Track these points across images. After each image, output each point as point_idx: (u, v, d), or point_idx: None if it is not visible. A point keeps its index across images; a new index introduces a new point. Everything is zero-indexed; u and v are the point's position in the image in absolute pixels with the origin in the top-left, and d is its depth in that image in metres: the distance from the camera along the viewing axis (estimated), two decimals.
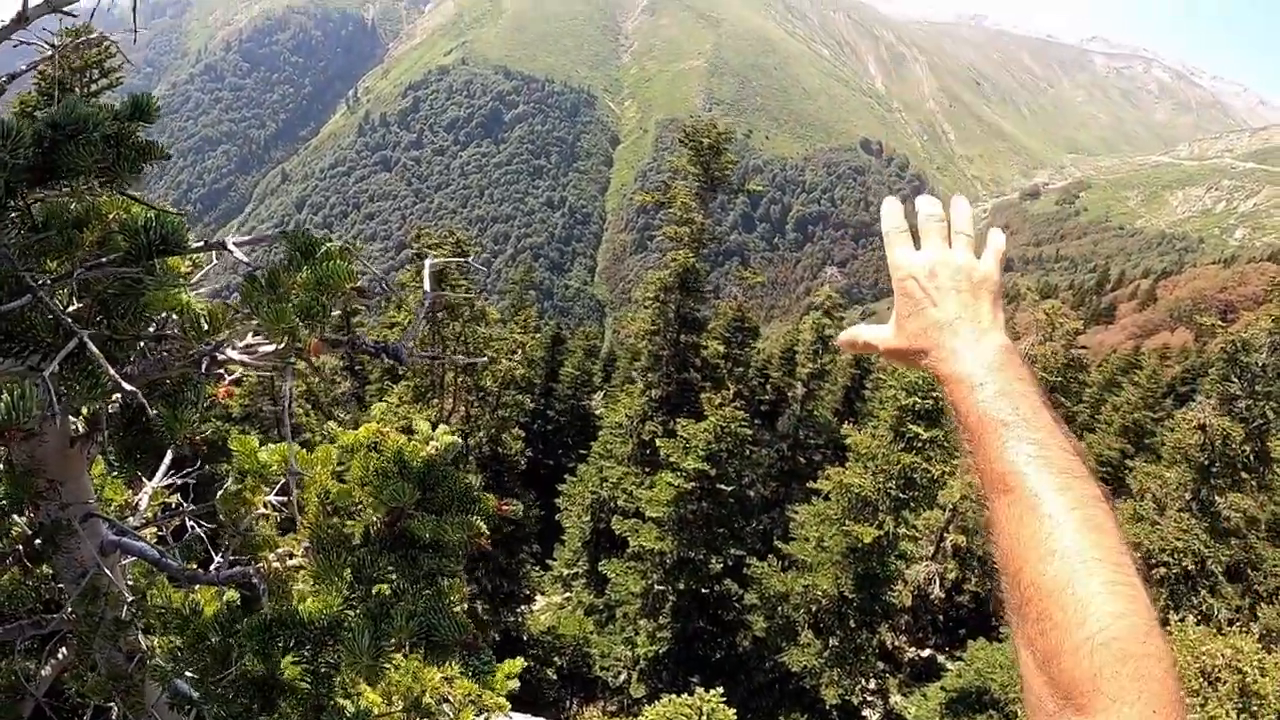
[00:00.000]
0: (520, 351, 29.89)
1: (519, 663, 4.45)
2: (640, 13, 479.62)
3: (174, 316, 2.62)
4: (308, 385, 29.57)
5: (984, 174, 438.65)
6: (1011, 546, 1.19)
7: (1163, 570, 20.86)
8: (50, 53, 4.16)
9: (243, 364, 2.56)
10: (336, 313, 2.33)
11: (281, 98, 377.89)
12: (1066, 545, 1.14)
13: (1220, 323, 27.25)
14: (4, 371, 2.16)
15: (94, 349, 2.04)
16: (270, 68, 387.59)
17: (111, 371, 2.00)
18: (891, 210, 1.70)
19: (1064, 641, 1.06)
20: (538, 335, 45.02)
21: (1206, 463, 20.92)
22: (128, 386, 2.02)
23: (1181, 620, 15.02)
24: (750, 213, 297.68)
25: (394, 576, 2.83)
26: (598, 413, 42.22)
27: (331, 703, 2.87)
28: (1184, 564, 20.62)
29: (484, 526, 2.91)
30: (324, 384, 35.42)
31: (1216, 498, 21.02)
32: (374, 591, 2.80)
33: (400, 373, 28.59)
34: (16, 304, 2.15)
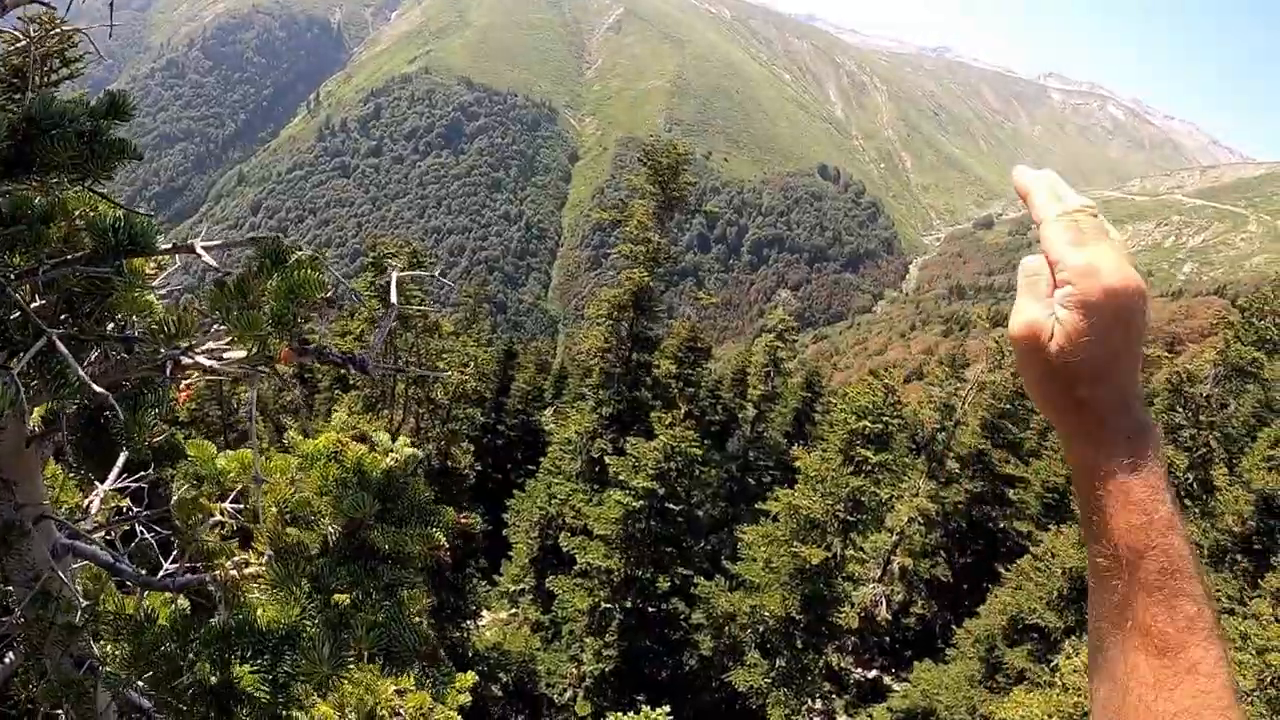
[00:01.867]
0: (472, 365, 29.75)
1: (471, 677, 4.44)
2: (606, 30, 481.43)
3: (136, 318, 2.61)
4: (256, 391, 29.20)
5: (939, 203, 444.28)
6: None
7: None
8: (23, 43, 4.13)
9: (210, 370, 2.55)
10: (308, 324, 2.34)
11: (242, 98, 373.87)
12: None
13: (1167, 354, 27.83)
14: None
15: (63, 349, 2.03)
16: (232, 66, 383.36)
17: (81, 373, 1.99)
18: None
19: None
20: (490, 349, 44.89)
21: None
22: (97, 389, 2.01)
23: None
24: (706, 234, 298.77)
25: (353, 587, 2.82)
26: (548, 428, 42.12)
27: (288, 713, 2.86)
28: None
29: (444, 539, 2.92)
30: (273, 390, 35.02)
31: None
32: (332, 602, 2.79)
33: (351, 382, 28.35)
34: None
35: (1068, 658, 16.88)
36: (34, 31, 3.74)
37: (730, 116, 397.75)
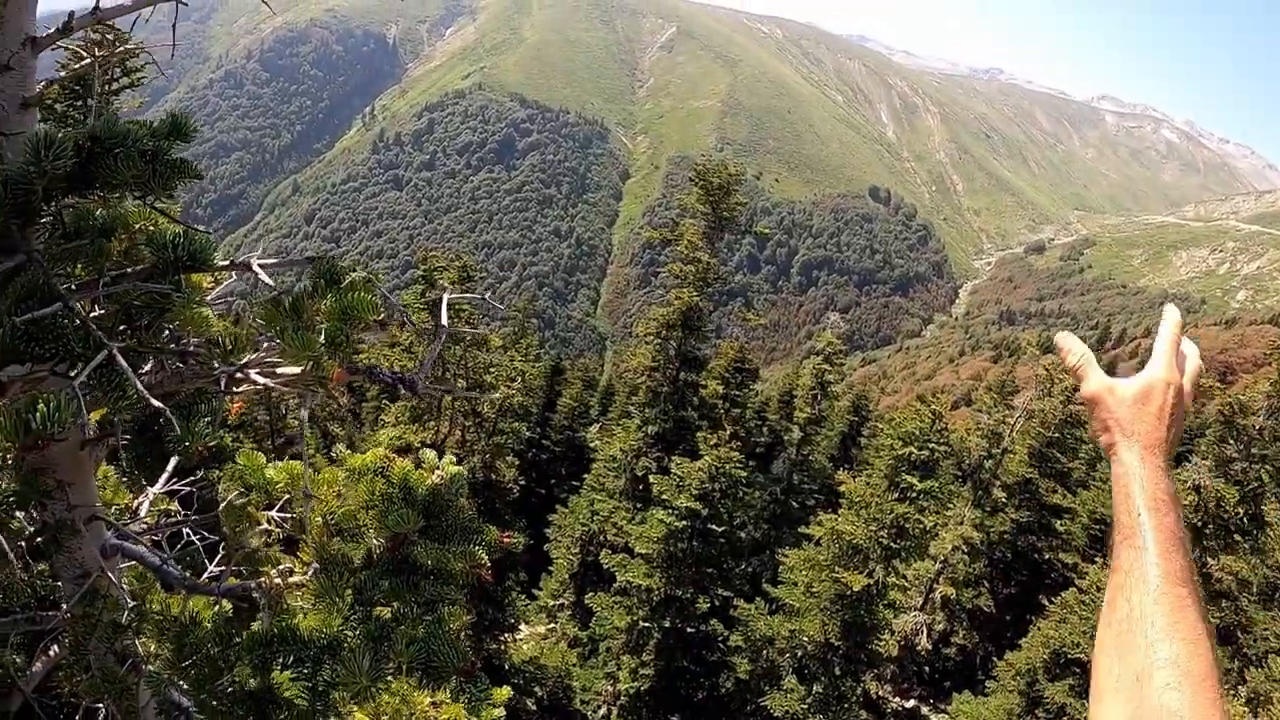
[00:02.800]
0: (519, 379, 29.87)
1: (506, 692, 4.46)
2: (658, 49, 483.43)
3: (192, 332, 2.69)
4: (308, 408, 29.48)
5: (990, 226, 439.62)
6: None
7: None
8: (87, 60, 4.27)
9: (266, 386, 2.61)
10: (363, 345, 2.39)
11: (299, 109, 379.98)
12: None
13: (1219, 384, 27.23)
14: (29, 378, 2.22)
15: (123, 362, 2.10)
16: (289, 79, 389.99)
17: (140, 387, 2.05)
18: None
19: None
20: (538, 364, 45.05)
21: (1200, 524, 20.87)
22: (156, 403, 2.08)
23: None
24: (756, 254, 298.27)
25: (394, 601, 2.87)
26: (593, 445, 42.13)
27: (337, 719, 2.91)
28: None
29: (486, 557, 2.96)
30: (322, 399, 35.35)
31: (1209, 559, 20.95)
32: (374, 614, 2.84)
33: (399, 392, 28.53)
34: (47, 311, 2.20)
35: None
36: (99, 43, 3.86)
37: (782, 137, 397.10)
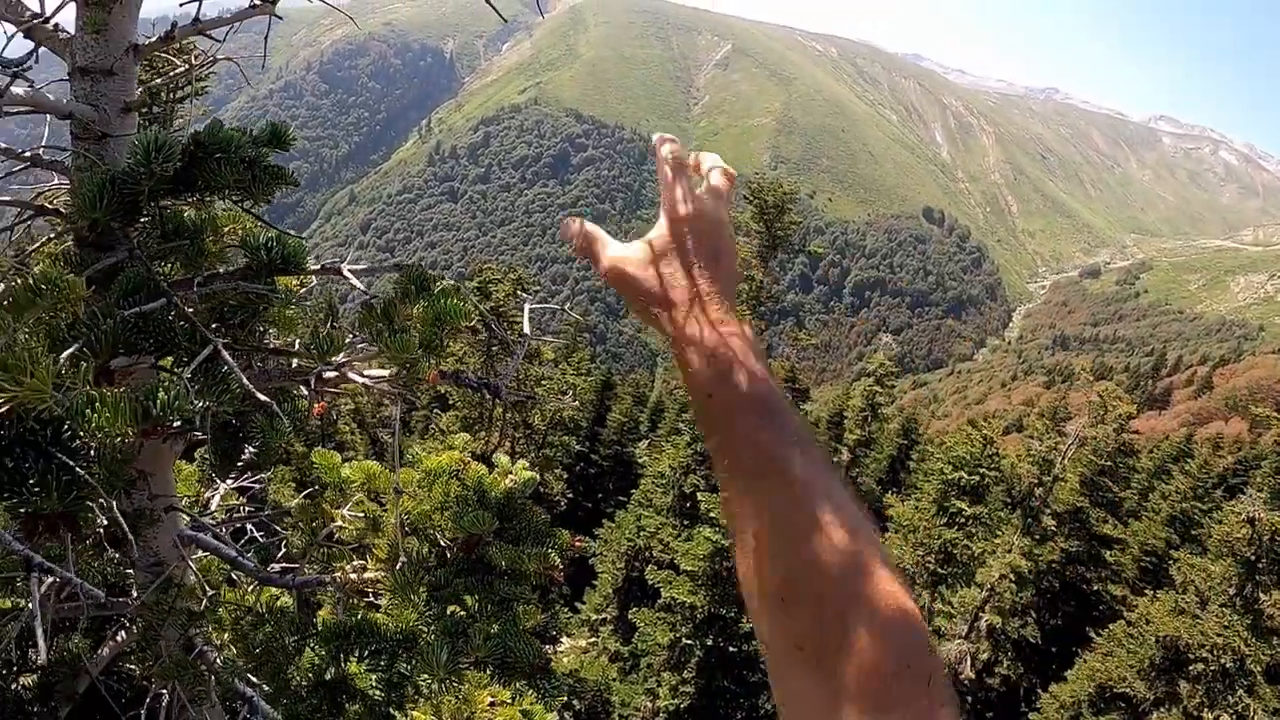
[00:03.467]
0: (570, 393, 30.02)
1: (562, 697, 4.54)
2: (713, 67, 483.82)
3: (279, 331, 2.80)
4: (356, 405, 29.89)
5: (1045, 249, 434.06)
6: (780, 527, 1.03)
7: (1200, 666, 20.36)
8: (182, 68, 4.43)
9: (363, 387, 2.71)
10: (454, 348, 2.48)
11: (356, 121, 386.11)
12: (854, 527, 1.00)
13: (1276, 414, 26.67)
14: (133, 368, 2.33)
15: (228, 357, 2.20)
16: (348, 91, 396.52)
17: (245, 381, 2.15)
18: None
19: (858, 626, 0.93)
20: (588, 378, 45.18)
21: (1253, 558, 20.45)
22: (262, 397, 2.17)
23: (1216, 719, 14.66)
24: (809, 274, 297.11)
25: (469, 599, 2.95)
26: (641, 461, 42.13)
27: (396, 713, 2.99)
28: (1222, 661, 20.10)
29: (558, 560, 3.03)
30: (371, 405, 35.79)
31: (1261, 595, 20.50)
32: (449, 611, 2.92)
33: (450, 401, 28.78)
34: (154, 305, 2.31)
35: None
36: (190, 60, 4.00)
37: (836, 155, 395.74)
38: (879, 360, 34.97)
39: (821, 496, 1.02)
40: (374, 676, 2.86)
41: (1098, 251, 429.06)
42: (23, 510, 1.74)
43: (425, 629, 2.89)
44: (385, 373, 2.66)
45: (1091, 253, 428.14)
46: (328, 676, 2.90)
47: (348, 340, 2.62)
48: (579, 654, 31.53)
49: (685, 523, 27.34)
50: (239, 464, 4.40)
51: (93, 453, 1.83)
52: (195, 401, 2.02)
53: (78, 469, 1.72)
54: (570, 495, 32.81)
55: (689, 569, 23.62)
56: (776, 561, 1.03)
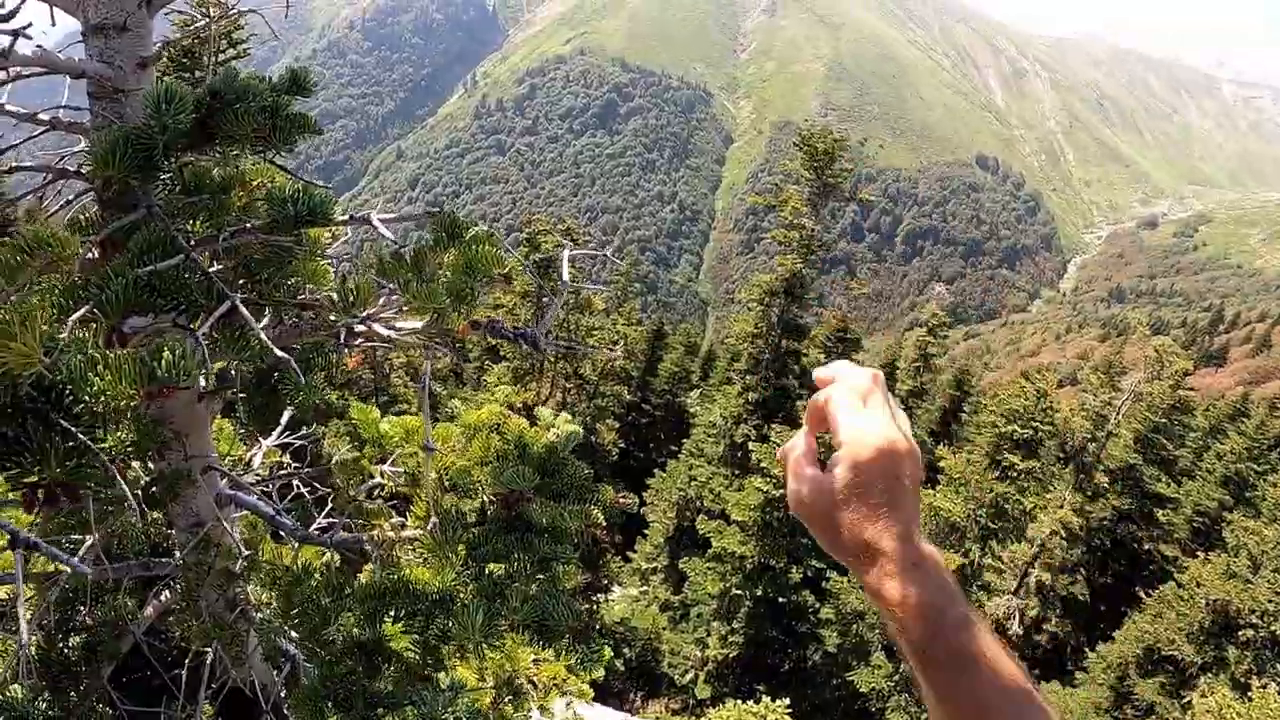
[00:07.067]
0: (621, 343, 29.97)
1: (608, 653, 4.47)
2: (760, 12, 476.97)
3: (311, 285, 2.69)
4: (408, 358, 30.10)
5: (1101, 199, 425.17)
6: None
7: (1249, 633, 20.07)
8: (204, 22, 4.31)
9: (389, 340, 2.60)
10: (484, 297, 2.36)
11: (401, 77, 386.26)
12: None
13: None
14: (152, 328, 2.24)
15: (245, 312, 2.10)
16: (391, 47, 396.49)
17: (263, 336, 2.05)
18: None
19: None
20: (640, 328, 45.11)
21: None
22: (279, 353, 2.07)
23: (1263, 687, 14.41)
24: (860, 222, 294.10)
25: (508, 558, 2.85)
26: (692, 411, 42.13)
27: (435, 673, 2.92)
28: (1272, 628, 19.80)
29: (601, 517, 2.93)
30: (425, 357, 36.05)
31: None
32: (487, 570, 2.83)
33: (501, 353, 28.87)
34: (169, 263, 2.21)
35: (1202, 696, 16.03)
36: (210, 13, 3.88)
37: (886, 102, 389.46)
38: (931, 310, 34.55)
39: None
40: (409, 638, 2.79)
41: (1155, 202, 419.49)
42: (24, 480, 1.65)
43: (463, 589, 2.80)
44: (418, 325, 2.54)
45: (1149, 203, 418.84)
46: (364, 638, 2.83)
47: (381, 292, 2.51)
48: (630, 603, 31.82)
49: (736, 473, 27.32)
50: (283, 420, 4.36)
51: (104, 417, 1.73)
52: (209, 361, 1.92)
53: (80, 435, 1.61)
54: (622, 445, 32.87)
55: (739, 519, 23.62)
56: None
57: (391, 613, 2.79)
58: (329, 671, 2.95)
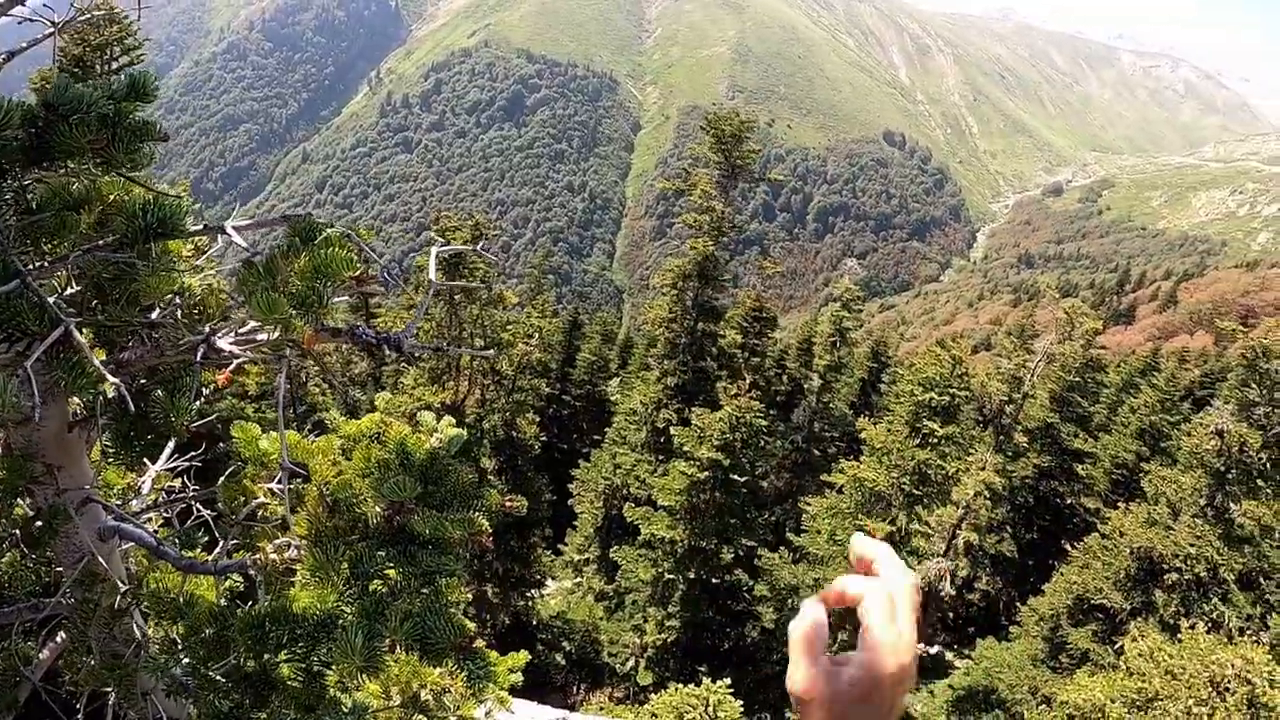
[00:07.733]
0: (537, 336, 29.80)
1: (523, 656, 4.38)
2: None
3: (168, 302, 2.55)
4: (322, 365, 29.56)
5: (1006, 169, 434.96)
6: None
7: (1174, 576, 20.71)
8: (51, 30, 4.08)
9: (234, 355, 2.47)
10: (341, 300, 2.24)
11: (304, 78, 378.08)
12: None
13: (1241, 327, 26.81)
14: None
15: (79, 337, 1.96)
16: (293, 47, 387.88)
17: (96, 362, 1.91)
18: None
19: None
20: (555, 320, 44.93)
21: (1222, 469, 20.71)
22: (112, 378, 1.94)
23: (1192, 628, 14.84)
24: (771, 202, 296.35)
25: (392, 572, 2.75)
26: (613, 399, 42.15)
27: (328, 696, 2.80)
28: (1196, 570, 20.45)
29: (486, 524, 2.83)
30: (340, 363, 35.45)
31: (1231, 504, 20.80)
32: (370, 588, 2.72)
33: (417, 355, 28.49)
34: (4, 289, 2.06)
35: (1132, 640, 16.46)
36: (78, 17, 3.68)
37: (793, 82, 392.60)
38: (844, 285, 34.98)
39: None
40: (292, 667, 2.67)
41: (1059, 170, 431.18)
42: None
43: (347, 610, 2.68)
44: (262, 337, 2.42)
45: (1053, 171, 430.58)
46: (249, 669, 2.70)
47: (231, 304, 2.38)
48: (565, 596, 31.76)
49: (660, 458, 27.41)
50: (172, 444, 4.18)
51: None
52: (38, 393, 1.78)
53: None
54: (544, 438, 32.73)
55: (666, 504, 23.70)
56: None
57: (274, 640, 2.67)
58: (219, 705, 2.82)
